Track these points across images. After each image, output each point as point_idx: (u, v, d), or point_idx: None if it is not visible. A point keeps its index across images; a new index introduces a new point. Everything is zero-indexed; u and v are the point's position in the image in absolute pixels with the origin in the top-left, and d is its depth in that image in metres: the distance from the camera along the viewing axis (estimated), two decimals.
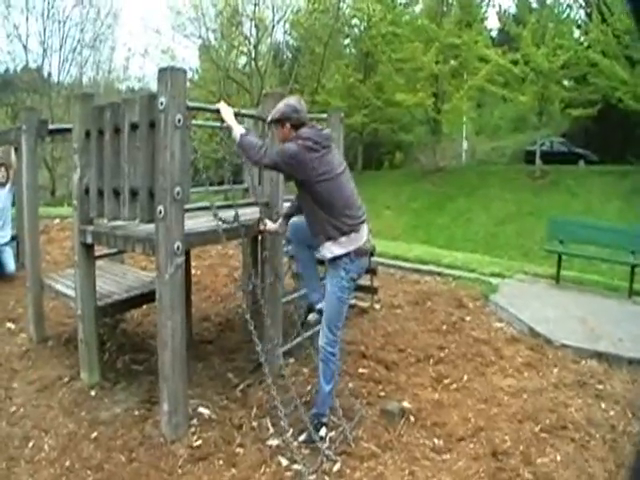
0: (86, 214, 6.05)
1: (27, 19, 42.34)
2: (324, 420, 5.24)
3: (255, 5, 40.21)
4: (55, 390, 6.14)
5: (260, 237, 6.41)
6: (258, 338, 5.26)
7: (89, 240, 6.03)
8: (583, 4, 39.88)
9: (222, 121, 5.42)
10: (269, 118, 5.33)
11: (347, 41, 48.33)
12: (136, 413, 5.66)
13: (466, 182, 36.71)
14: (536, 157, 36.06)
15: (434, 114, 39.34)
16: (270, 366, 5.87)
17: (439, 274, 10.56)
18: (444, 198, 35.84)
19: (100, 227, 6.03)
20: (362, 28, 43.75)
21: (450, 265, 11.18)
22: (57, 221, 13.71)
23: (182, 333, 5.14)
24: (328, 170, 4.92)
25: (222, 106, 5.40)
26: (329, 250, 4.99)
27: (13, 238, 10.07)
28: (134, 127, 5.22)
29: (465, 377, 6.48)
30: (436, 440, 5.22)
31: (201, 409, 5.65)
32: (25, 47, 42.34)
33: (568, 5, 39.95)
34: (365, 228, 5.13)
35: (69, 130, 6.45)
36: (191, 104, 5.26)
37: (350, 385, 6.10)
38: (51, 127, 8.14)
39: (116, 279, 7.60)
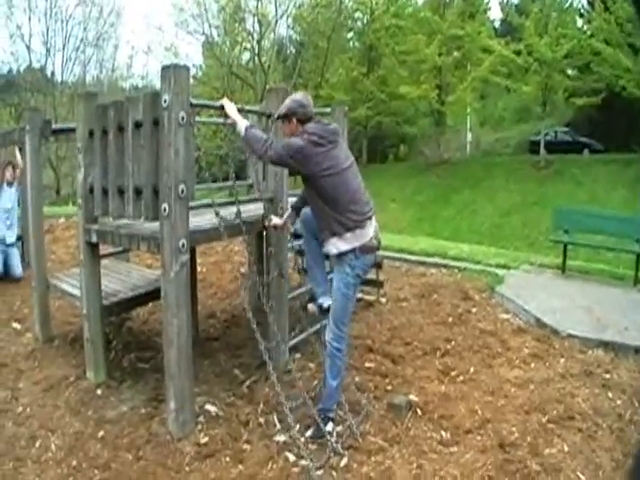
0: (91, 213, 6.05)
1: (30, 19, 42.46)
2: (331, 415, 5.23)
3: (258, 0, 40.31)
4: (61, 390, 6.14)
5: (265, 233, 6.41)
6: (263, 334, 5.27)
7: (94, 239, 6.04)
8: None
9: (226, 117, 5.42)
10: (276, 114, 5.34)
11: (350, 35, 48.41)
12: (143, 411, 5.66)
13: (471, 174, 36.68)
14: (540, 147, 36.00)
15: (438, 106, 39.31)
16: (276, 362, 5.91)
17: (445, 266, 10.55)
18: (449, 190, 35.82)
19: (105, 226, 6.03)
20: (365, 21, 43.86)
21: (456, 257, 11.17)
22: (62, 220, 13.72)
23: (188, 330, 5.14)
24: (333, 165, 4.91)
25: (225, 102, 5.41)
26: (334, 246, 4.98)
27: (18, 238, 10.07)
28: (138, 125, 5.21)
29: (472, 369, 6.47)
30: (443, 433, 5.21)
31: (208, 406, 5.65)
32: (28, 47, 42.47)
33: None
34: (372, 224, 5.10)
35: (73, 129, 6.45)
36: (195, 101, 5.25)
37: (357, 379, 6.10)
38: (55, 127, 8.14)
39: (121, 277, 7.60)
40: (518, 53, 34.88)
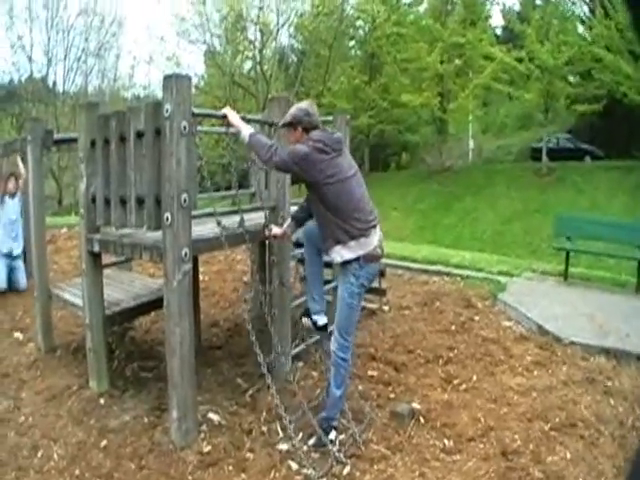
0: (93, 223, 6.07)
1: (31, 29, 42.36)
2: (334, 424, 5.24)
3: (259, 9, 40.23)
4: (64, 399, 6.15)
5: (267, 242, 6.42)
6: (266, 343, 5.28)
7: (96, 249, 6.05)
8: (586, 0, 39.82)
9: (228, 126, 5.44)
10: (281, 122, 5.36)
11: (352, 43, 48.43)
12: (145, 420, 5.67)
13: (472, 181, 36.67)
14: (542, 154, 35.97)
15: (440, 114, 39.27)
16: (278, 371, 5.92)
17: (447, 274, 10.54)
18: (451, 198, 35.80)
19: (107, 235, 6.04)
20: (367, 29, 43.79)
21: (458, 265, 11.17)
22: (64, 230, 13.71)
23: (190, 340, 5.14)
24: (337, 172, 4.92)
25: (227, 110, 5.42)
26: (339, 254, 4.99)
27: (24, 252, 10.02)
28: (140, 135, 5.23)
29: (474, 377, 6.48)
30: (446, 441, 5.22)
31: (210, 415, 5.66)
32: (29, 57, 42.38)
33: (572, 1, 39.94)
34: (376, 233, 5.11)
35: (75, 140, 6.47)
36: (196, 110, 5.26)
37: (360, 387, 6.11)
38: (56, 137, 8.15)
39: (124, 287, 7.61)
40: (520, 60, 34.86)
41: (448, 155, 42.06)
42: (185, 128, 4.86)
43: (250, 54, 42.15)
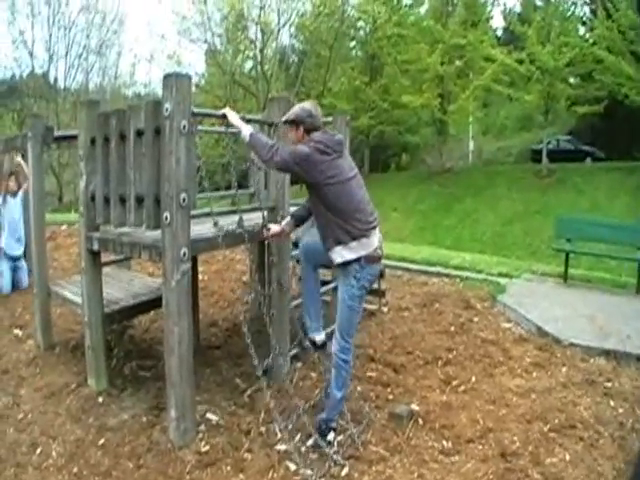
0: (92, 221, 6.05)
1: (33, 25, 42.50)
2: (332, 425, 5.23)
3: (260, 9, 40.27)
4: (62, 397, 6.15)
5: (267, 242, 6.40)
6: (265, 343, 5.27)
7: (95, 247, 6.04)
8: (588, 1, 39.81)
9: (228, 126, 5.44)
10: (283, 118, 5.35)
11: (353, 44, 48.42)
12: (144, 419, 5.66)
13: (473, 182, 36.71)
14: (543, 156, 35.98)
15: (440, 115, 39.29)
16: (277, 371, 5.91)
17: (447, 275, 10.54)
18: (451, 199, 35.84)
19: (106, 234, 6.03)
20: (368, 30, 43.78)
21: (458, 266, 11.16)
22: (64, 227, 13.71)
23: (189, 339, 5.13)
24: (337, 174, 4.92)
25: (227, 110, 5.42)
26: (339, 254, 4.98)
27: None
28: (139, 134, 5.22)
29: (473, 378, 6.46)
30: (445, 442, 5.21)
31: (209, 415, 5.65)
32: (31, 53, 42.51)
33: (573, 2, 39.89)
34: (376, 235, 5.11)
35: (75, 137, 6.44)
36: (196, 110, 5.25)
37: (358, 388, 6.09)
38: (57, 134, 8.13)
39: (123, 285, 7.60)
40: (520, 62, 34.87)
41: (448, 156, 42.14)
42: (185, 127, 4.84)
43: (251, 53, 42.27)
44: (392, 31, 39.72)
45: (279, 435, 5.27)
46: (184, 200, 4.88)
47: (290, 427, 5.06)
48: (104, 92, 45.93)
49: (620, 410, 5.71)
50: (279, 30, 42.45)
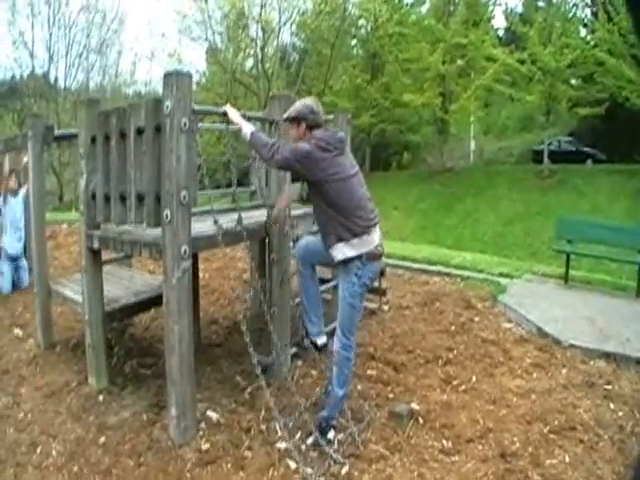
0: (93, 219, 6.05)
1: (33, 25, 42.40)
2: (333, 423, 5.23)
3: (261, 7, 40.25)
4: (63, 396, 6.15)
5: (267, 240, 6.40)
6: (266, 341, 5.27)
7: (96, 245, 6.04)
8: (589, 3, 39.77)
9: (228, 123, 5.43)
10: (285, 115, 5.33)
11: (354, 42, 48.43)
12: (144, 417, 5.66)
13: (474, 182, 36.72)
14: (544, 156, 36.00)
15: (441, 114, 39.32)
16: (277, 370, 5.90)
17: (447, 275, 10.53)
18: (452, 198, 35.85)
19: (107, 232, 6.03)
20: (369, 29, 43.81)
21: (458, 266, 11.15)
22: (65, 226, 13.71)
23: (189, 337, 5.13)
24: (339, 171, 4.92)
25: (228, 108, 5.41)
26: (341, 251, 4.97)
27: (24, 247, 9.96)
28: (140, 132, 5.22)
29: (474, 378, 6.46)
30: (445, 442, 5.21)
31: (209, 413, 5.64)
32: (31, 53, 42.46)
33: (574, 4, 39.94)
34: (377, 232, 5.11)
35: (75, 136, 6.45)
36: (197, 107, 5.24)
37: (359, 387, 6.09)
38: (57, 133, 8.12)
39: (124, 283, 7.60)
40: (522, 62, 34.89)
41: (449, 156, 42.16)
42: (185, 125, 4.84)
43: (252, 52, 42.27)
44: (393, 30, 39.74)
45: (279, 433, 5.27)
46: (184, 198, 4.88)
47: (290, 425, 5.05)
48: (104, 91, 45.89)
49: (620, 413, 5.70)
50: (280, 28, 42.50)
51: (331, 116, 7.70)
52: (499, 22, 62.06)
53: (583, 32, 38.80)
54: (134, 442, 5.24)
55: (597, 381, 6.33)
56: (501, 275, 10.48)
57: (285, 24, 42.82)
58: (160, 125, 4.96)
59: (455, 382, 6.38)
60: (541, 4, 40.64)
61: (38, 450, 5.23)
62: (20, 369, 6.86)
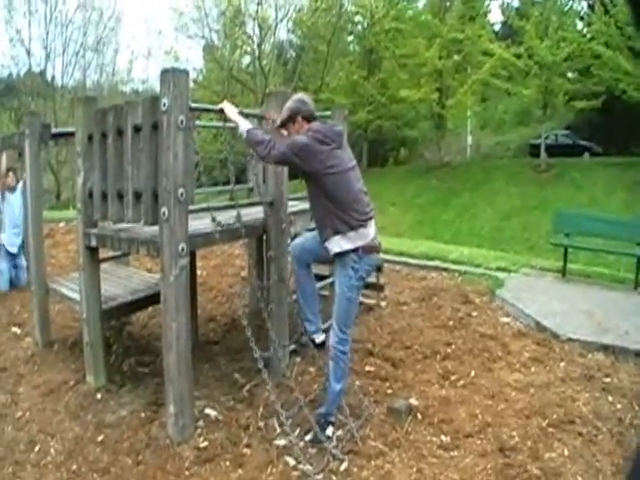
0: (90, 217, 6.04)
1: (29, 23, 42.35)
2: (331, 419, 5.22)
3: (258, 4, 40.32)
4: (61, 394, 6.15)
5: (265, 237, 6.40)
6: (264, 338, 5.26)
7: (93, 243, 6.03)
8: None
9: (226, 120, 5.43)
10: (278, 121, 5.32)
11: (350, 38, 48.50)
12: (142, 415, 5.65)
13: (471, 177, 36.78)
14: (541, 150, 36.04)
15: (438, 109, 39.37)
16: (275, 366, 5.90)
17: (445, 270, 10.51)
18: (449, 193, 35.89)
19: (104, 230, 6.02)
20: (365, 25, 43.86)
21: (456, 260, 11.13)
22: (62, 224, 13.69)
23: (187, 335, 5.13)
24: (337, 164, 4.91)
25: (225, 105, 5.41)
26: (337, 244, 4.96)
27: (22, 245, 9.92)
28: (137, 129, 5.20)
29: (472, 373, 6.46)
30: (443, 437, 5.20)
31: (207, 410, 5.64)
32: (28, 51, 42.41)
33: None
34: (373, 225, 5.11)
35: (72, 134, 6.43)
36: (194, 105, 5.25)
37: (357, 383, 6.07)
38: (54, 131, 8.10)
39: (121, 281, 7.60)
40: (518, 56, 34.96)
41: (446, 151, 42.22)
42: (182, 122, 4.83)
43: (248, 49, 42.26)
44: (390, 25, 39.83)
45: (278, 430, 5.28)
46: (182, 195, 4.87)
47: (289, 422, 5.04)
48: (101, 89, 45.85)
49: (618, 406, 5.70)
50: (276, 25, 42.56)
51: (328, 113, 7.70)
52: (495, 16, 62.06)
53: (580, 25, 39.02)
54: (132, 440, 5.24)
55: (595, 374, 6.33)
56: (499, 269, 10.46)
57: (281, 21, 42.95)
58: (157, 123, 4.95)
59: (453, 377, 6.37)
60: None
61: (36, 448, 5.24)
62: (18, 367, 6.86)
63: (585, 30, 36.93)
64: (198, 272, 8.83)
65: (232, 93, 39.74)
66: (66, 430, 5.48)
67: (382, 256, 7.50)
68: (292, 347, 6.61)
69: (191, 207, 5.18)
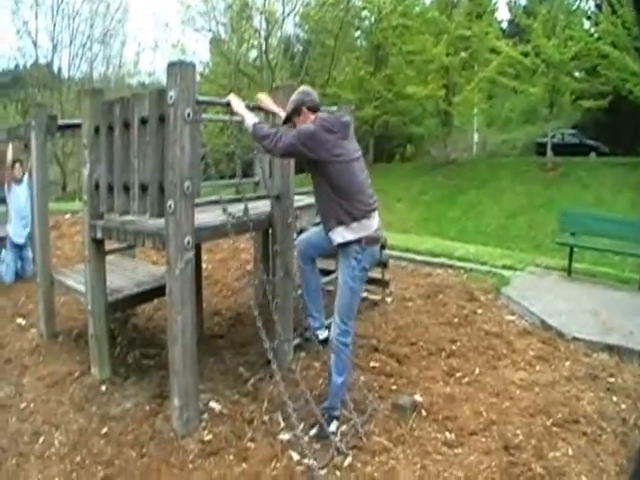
0: (96, 209, 6.05)
1: (36, 15, 42.56)
2: (336, 414, 5.21)
3: None
4: (65, 385, 6.16)
5: (271, 231, 6.39)
6: (269, 332, 5.26)
7: (99, 235, 6.03)
8: None
9: (232, 114, 5.42)
10: (284, 116, 5.32)
11: (358, 33, 48.31)
12: (147, 408, 5.66)
13: (477, 174, 36.70)
14: (547, 149, 35.97)
15: (445, 106, 39.27)
16: (280, 361, 5.88)
17: (451, 267, 10.52)
18: (455, 191, 35.82)
19: (110, 222, 6.03)
20: (372, 20, 43.70)
21: (462, 258, 11.14)
22: (68, 216, 13.72)
23: (192, 328, 5.13)
24: (343, 153, 4.91)
25: (232, 97, 5.40)
26: (340, 235, 4.96)
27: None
28: (144, 122, 5.20)
29: (477, 370, 6.45)
30: (448, 434, 5.20)
31: (212, 404, 5.64)
32: (35, 43, 42.44)
33: None
34: (376, 217, 5.10)
35: (79, 125, 6.44)
36: (201, 98, 5.24)
37: (362, 379, 6.07)
38: (60, 123, 8.11)
39: (127, 274, 7.60)
40: (526, 54, 34.84)
41: (453, 148, 42.09)
42: (189, 115, 4.83)
43: (255, 43, 42.09)
44: (397, 21, 39.66)
45: (282, 424, 5.29)
46: (188, 188, 4.87)
47: (293, 416, 5.03)
48: (108, 81, 45.91)
49: (623, 406, 5.70)
50: (284, 19, 42.40)
51: (335, 107, 7.69)
52: (503, 14, 62.09)
53: (587, 25, 38.81)
54: (137, 433, 5.25)
55: (600, 374, 6.32)
56: (504, 267, 10.46)
57: (289, 15, 42.77)
58: (164, 115, 4.94)
59: (458, 374, 6.37)
60: None
61: (40, 440, 5.24)
62: (23, 359, 6.87)
63: (592, 30, 36.74)
64: (203, 265, 8.84)
65: (239, 87, 39.63)
66: (70, 422, 5.48)
67: (388, 252, 7.50)
68: (297, 341, 6.60)
69: (197, 200, 5.17)
